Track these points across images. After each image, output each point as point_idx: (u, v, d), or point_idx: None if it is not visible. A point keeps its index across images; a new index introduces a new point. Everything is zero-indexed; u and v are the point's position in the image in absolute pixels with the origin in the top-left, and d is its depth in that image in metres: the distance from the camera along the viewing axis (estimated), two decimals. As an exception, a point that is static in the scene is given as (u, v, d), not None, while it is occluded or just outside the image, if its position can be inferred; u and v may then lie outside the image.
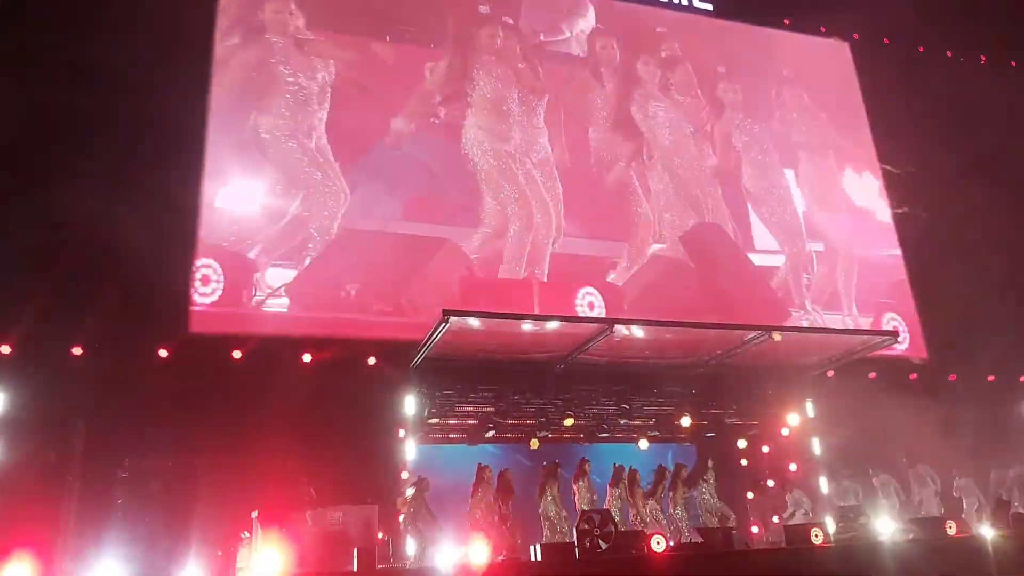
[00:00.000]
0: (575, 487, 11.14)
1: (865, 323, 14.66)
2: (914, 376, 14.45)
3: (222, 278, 11.33)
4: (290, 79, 12.79)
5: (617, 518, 11.24)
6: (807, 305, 14.38)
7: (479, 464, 10.92)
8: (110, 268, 10.48)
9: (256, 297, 11.48)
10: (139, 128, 11.10)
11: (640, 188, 14.25)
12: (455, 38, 14.07)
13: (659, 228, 14.02)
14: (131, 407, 10.19)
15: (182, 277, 11.11)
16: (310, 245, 12.05)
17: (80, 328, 10.47)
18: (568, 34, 14.90)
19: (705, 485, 11.70)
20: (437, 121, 13.32)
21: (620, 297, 13.07)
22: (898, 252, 15.71)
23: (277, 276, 11.69)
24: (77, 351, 10.54)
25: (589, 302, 12.73)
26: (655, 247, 13.85)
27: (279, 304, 11.57)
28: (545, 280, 12.93)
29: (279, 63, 12.81)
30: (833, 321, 14.45)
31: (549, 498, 11.09)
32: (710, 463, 11.97)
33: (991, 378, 14.95)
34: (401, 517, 10.15)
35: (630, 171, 14.30)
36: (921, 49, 17.77)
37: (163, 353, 10.83)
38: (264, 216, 11.96)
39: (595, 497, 11.04)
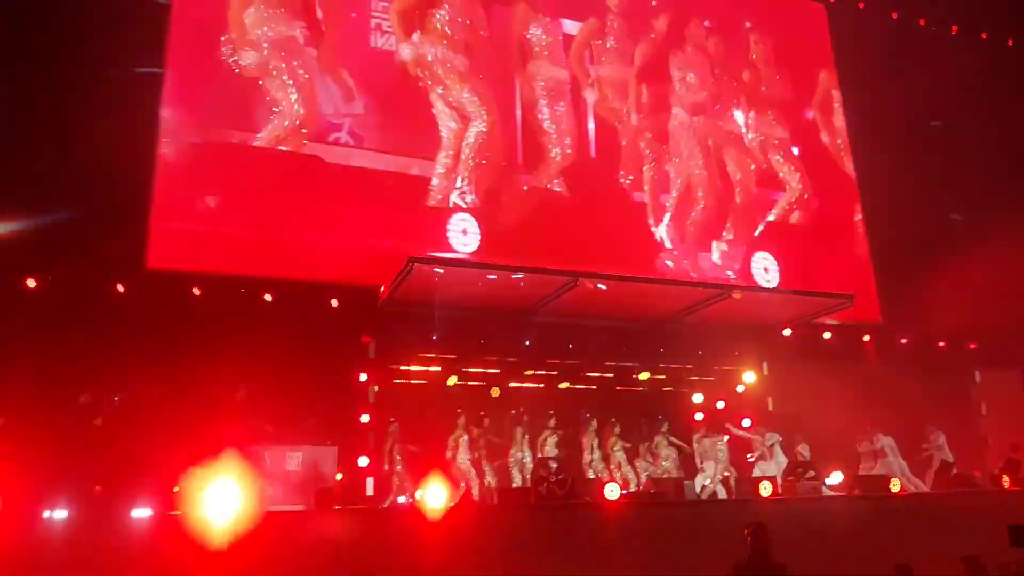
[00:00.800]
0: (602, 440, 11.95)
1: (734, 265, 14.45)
2: (868, 339, 14.76)
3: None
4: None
5: (600, 466, 11.64)
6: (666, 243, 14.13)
7: (457, 410, 11.12)
8: (64, 198, 10.19)
9: None
10: (94, 56, 10.73)
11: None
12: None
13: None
14: (85, 341, 10.00)
15: (140, 208, 10.82)
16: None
17: (32, 259, 10.21)
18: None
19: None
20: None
21: (495, 225, 12.63)
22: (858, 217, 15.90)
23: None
24: (31, 282, 10.27)
25: (463, 228, 12.46)
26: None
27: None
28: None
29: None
30: (703, 259, 14.27)
31: (515, 445, 11.35)
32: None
33: (941, 344, 15.35)
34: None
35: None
36: (895, 16, 17.78)
37: (120, 288, 10.59)
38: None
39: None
